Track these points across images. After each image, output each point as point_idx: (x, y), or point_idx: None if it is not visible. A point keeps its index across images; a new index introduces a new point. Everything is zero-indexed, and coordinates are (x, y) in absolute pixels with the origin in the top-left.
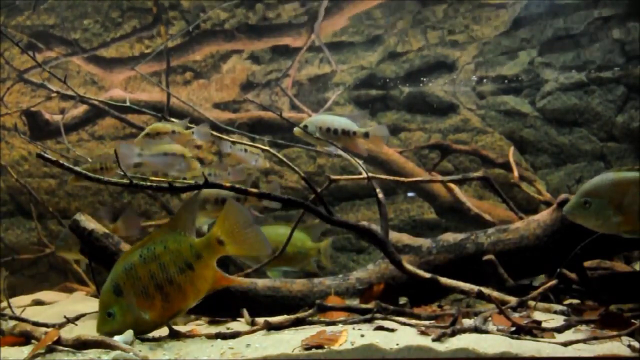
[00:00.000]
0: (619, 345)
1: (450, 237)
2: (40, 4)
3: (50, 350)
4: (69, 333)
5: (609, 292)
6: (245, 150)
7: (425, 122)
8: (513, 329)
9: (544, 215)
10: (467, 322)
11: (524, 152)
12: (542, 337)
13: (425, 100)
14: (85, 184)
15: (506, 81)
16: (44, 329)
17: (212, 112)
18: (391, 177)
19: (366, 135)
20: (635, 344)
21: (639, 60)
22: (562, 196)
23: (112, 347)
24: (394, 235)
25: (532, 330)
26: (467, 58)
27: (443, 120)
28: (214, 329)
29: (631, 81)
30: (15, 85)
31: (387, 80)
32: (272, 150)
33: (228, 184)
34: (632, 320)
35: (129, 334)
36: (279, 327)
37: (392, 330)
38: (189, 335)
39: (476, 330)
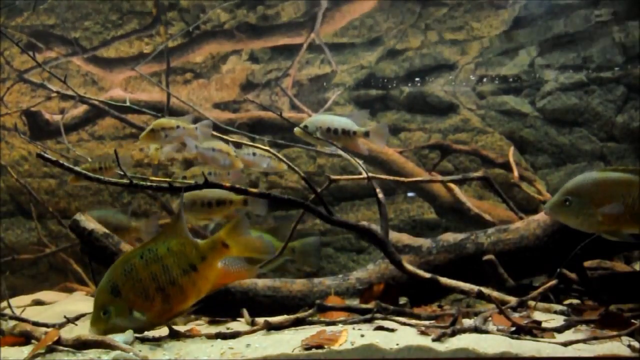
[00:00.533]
0: (619, 345)
1: (450, 237)
2: (40, 4)
3: (50, 350)
4: (69, 333)
5: (609, 292)
6: (254, 154)
7: (425, 122)
8: (513, 329)
9: (544, 215)
10: (467, 322)
11: (524, 152)
12: (542, 337)
13: (425, 100)
14: (85, 184)
15: (507, 81)
16: (44, 329)
17: (212, 112)
18: (391, 177)
19: (366, 134)
20: (635, 344)
21: (639, 60)
22: None
23: (112, 347)
24: (394, 235)
25: (532, 330)
26: (467, 58)
27: (443, 120)
28: (214, 329)
29: (631, 81)
30: (15, 85)
31: (387, 80)
32: (272, 151)
33: (228, 184)
34: (632, 320)
35: (129, 334)
36: (279, 327)
37: (392, 330)
38: (189, 335)
39: (476, 330)
